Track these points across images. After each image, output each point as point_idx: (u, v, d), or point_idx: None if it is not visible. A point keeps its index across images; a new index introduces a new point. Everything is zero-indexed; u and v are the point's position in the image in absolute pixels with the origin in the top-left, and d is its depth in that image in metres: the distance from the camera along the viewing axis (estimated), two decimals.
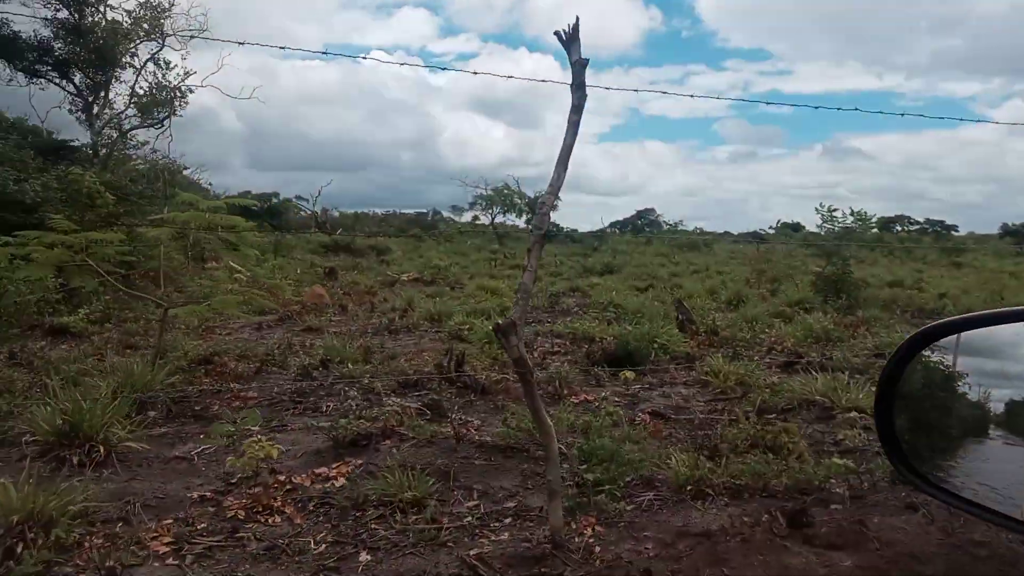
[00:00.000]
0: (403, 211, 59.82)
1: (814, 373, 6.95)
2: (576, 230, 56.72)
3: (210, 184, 42.45)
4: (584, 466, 4.18)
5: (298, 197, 46.65)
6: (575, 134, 3.14)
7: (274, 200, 45.97)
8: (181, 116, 18.93)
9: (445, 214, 55.51)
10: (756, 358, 8.32)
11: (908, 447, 1.49)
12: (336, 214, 53.08)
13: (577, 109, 3.15)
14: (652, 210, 71.69)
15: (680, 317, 9.73)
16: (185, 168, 32.90)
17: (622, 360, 7.53)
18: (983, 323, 1.42)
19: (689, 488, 4.04)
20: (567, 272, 23.68)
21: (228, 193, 43.22)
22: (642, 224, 68.92)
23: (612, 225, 69.64)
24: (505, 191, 48.68)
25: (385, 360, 7.15)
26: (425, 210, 58.55)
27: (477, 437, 4.67)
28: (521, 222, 53.46)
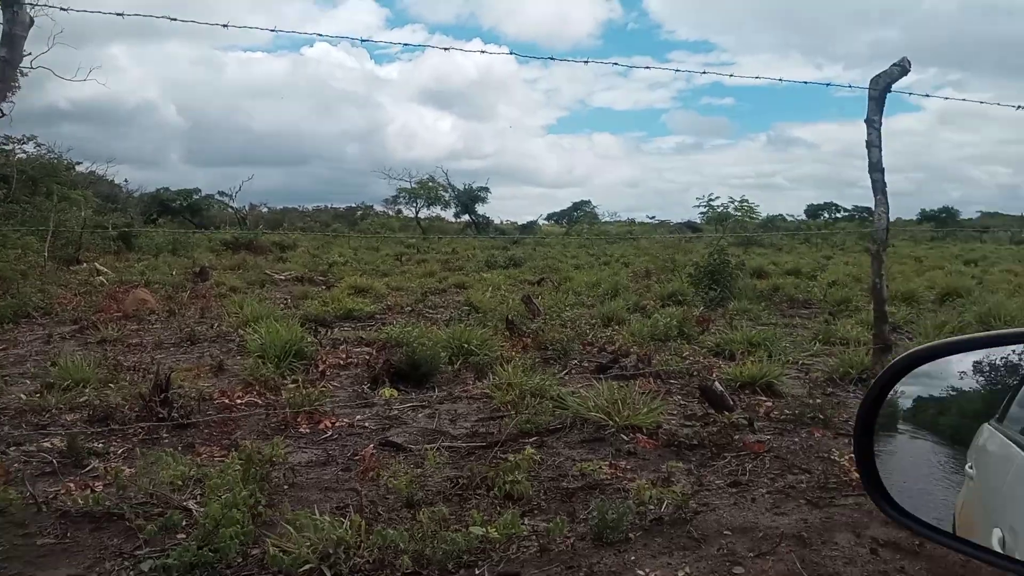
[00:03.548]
0: (335, 206, 58.05)
1: (617, 382, 6.09)
2: (514, 222, 56.06)
3: (125, 181, 40.28)
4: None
5: (221, 193, 44.76)
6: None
7: (195, 196, 44.01)
8: (13, 103, 17.12)
9: (378, 208, 53.95)
10: (575, 361, 7.41)
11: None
12: (265, 210, 51.26)
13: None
14: (588, 202, 71.43)
15: (510, 319, 8.77)
16: (77, 164, 30.84)
17: (407, 373, 6.51)
18: (970, 347, 1.32)
19: None
20: (470, 266, 22.72)
21: (143, 190, 41.03)
22: (577, 216, 68.60)
23: (549, 217, 69.21)
24: (430, 184, 47.43)
25: (101, 385, 5.96)
26: (354, 205, 56.82)
27: (71, 503, 3.56)
28: (449, 215, 52.39)
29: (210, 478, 3.71)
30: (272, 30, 4.73)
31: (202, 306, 11.72)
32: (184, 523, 3.45)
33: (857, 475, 3.93)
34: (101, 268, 18.26)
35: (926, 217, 49.99)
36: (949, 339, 1.30)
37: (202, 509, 3.45)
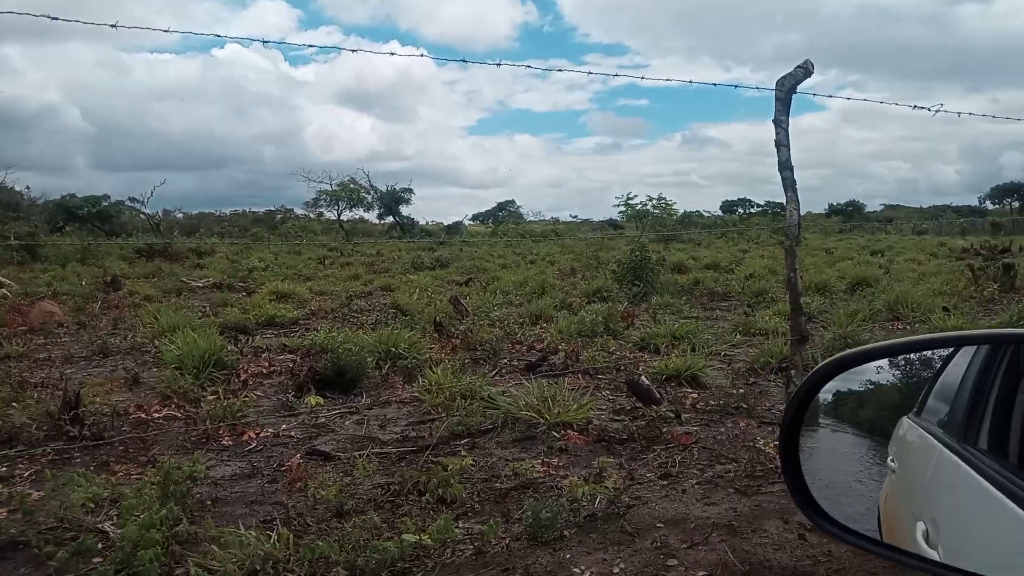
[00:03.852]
0: (253, 210, 56.50)
1: (546, 380, 6.12)
2: (440, 223, 55.83)
3: (27, 188, 38.14)
4: None
5: (131, 199, 42.90)
6: None
7: (104, 203, 42.08)
8: None
9: (299, 211, 52.75)
10: (505, 360, 7.42)
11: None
12: (179, 216, 49.36)
13: None
14: (512, 202, 71.91)
15: (438, 320, 8.70)
16: None
17: (333, 380, 6.38)
18: (901, 351, 1.34)
19: None
20: (396, 268, 22.49)
21: (48, 197, 38.91)
22: (502, 216, 68.88)
23: (474, 217, 69.37)
24: (351, 185, 46.66)
25: (4, 405, 5.60)
26: (274, 208, 55.39)
27: None
28: (373, 217, 51.71)
29: (126, 498, 3.54)
30: (165, 30, 4.49)
31: (115, 317, 11.20)
32: (99, 547, 3.27)
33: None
34: (3, 280, 17.20)
35: (834, 211, 52.37)
36: (879, 344, 1.32)
37: (119, 531, 3.28)
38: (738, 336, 8.80)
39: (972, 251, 15.74)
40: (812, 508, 1.29)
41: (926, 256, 23.41)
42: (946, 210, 57.81)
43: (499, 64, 3.83)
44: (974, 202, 64.14)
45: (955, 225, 43.54)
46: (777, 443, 1.37)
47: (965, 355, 1.31)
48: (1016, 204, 60.19)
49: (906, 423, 1.41)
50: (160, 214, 44.02)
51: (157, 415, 5.59)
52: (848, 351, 1.31)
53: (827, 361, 1.33)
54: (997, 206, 61.59)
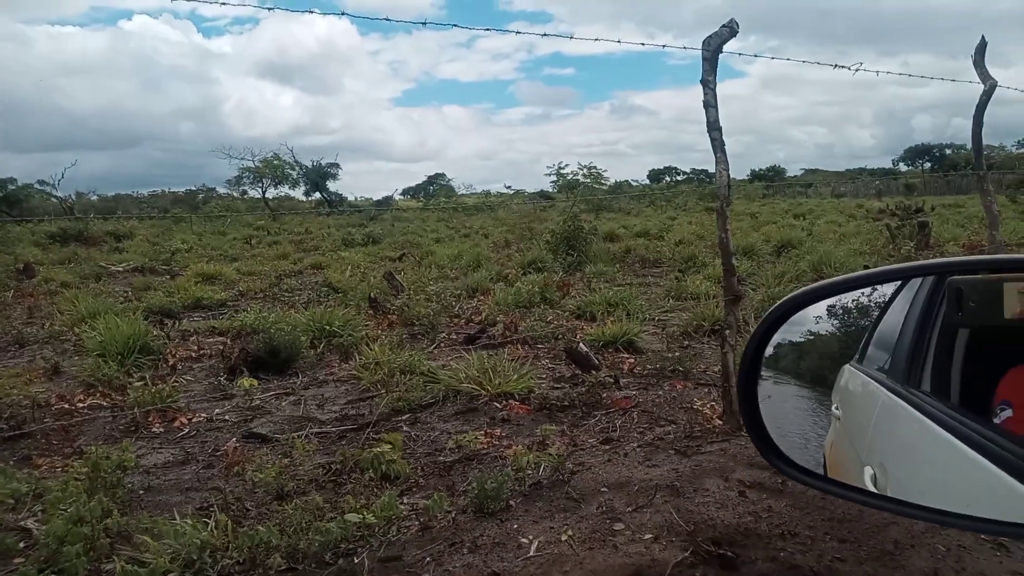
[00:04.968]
0: (173, 189, 54.60)
1: (486, 351, 6.10)
2: (369, 199, 55.00)
3: None
4: None
5: (41, 182, 40.74)
6: None
7: (10, 186, 39.88)
8: None
9: (221, 190, 51.14)
10: (443, 334, 7.36)
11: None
12: (94, 198, 47.18)
13: None
14: (442, 175, 71.34)
15: (373, 297, 8.57)
16: None
17: (267, 361, 6.20)
18: (852, 286, 1.30)
19: None
20: (326, 246, 22.06)
21: None
22: (433, 189, 68.24)
23: (405, 192, 68.57)
24: (275, 161, 45.40)
25: None
26: (195, 187, 53.62)
27: None
28: (299, 194, 50.51)
29: (51, 491, 3.35)
30: None
31: (30, 305, 10.64)
32: (22, 546, 3.10)
33: (721, 423, 4.14)
34: None
35: (756, 176, 53.85)
36: (829, 280, 1.31)
37: (43, 527, 3.11)
38: (671, 301, 8.96)
39: (888, 212, 16.36)
40: (777, 456, 1.28)
41: (845, 218, 24.30)
42: (862, 173, 60.08)
43: (424, 24, 3.70)
44: (888, 164, 66.98)
45: (871, 187, 45.27)
46: (735, 390, 1.32)
47: (904, 299, 1.32)
48: (928, 165, 63.04)
49: (848, 371, 1.42)
50: (73, 197, 41.99)
51: (81, 404, 5.34)
52: (798, 291, 1.30)
53: (780, 303, 1.31)
54: (910, 167, 64.40)
